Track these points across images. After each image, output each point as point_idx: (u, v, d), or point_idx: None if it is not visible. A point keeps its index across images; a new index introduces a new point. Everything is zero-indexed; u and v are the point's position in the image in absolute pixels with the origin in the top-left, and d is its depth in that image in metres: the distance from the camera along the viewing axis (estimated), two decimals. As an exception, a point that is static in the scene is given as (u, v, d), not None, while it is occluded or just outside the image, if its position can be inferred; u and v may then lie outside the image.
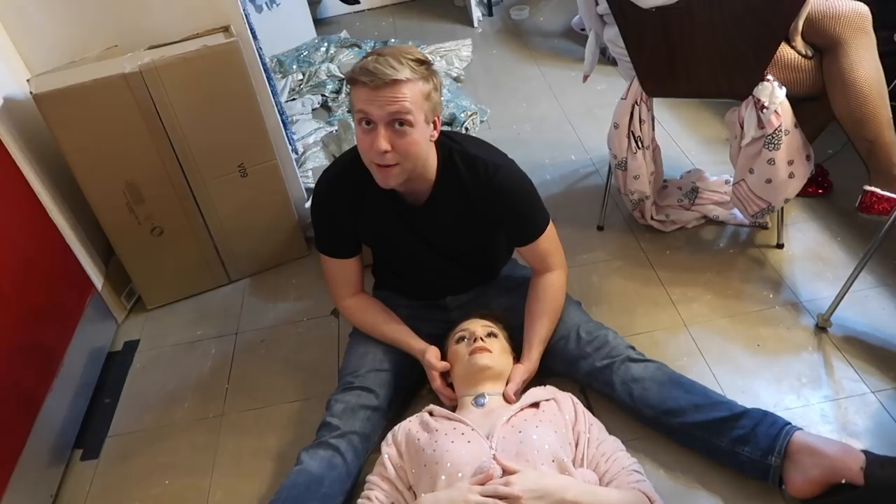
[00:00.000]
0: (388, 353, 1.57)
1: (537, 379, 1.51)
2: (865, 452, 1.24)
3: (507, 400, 1.42)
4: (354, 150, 1.43)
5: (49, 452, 1.57)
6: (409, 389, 1.60)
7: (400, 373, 1.55)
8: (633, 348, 1.52)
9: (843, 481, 1.22)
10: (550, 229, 1.55)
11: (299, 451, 1.41)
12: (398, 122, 1.28)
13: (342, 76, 3.09)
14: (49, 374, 1.63)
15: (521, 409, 1.34)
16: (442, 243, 1.56)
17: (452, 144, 1.46)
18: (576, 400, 1.40)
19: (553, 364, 1.55)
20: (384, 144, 1.28)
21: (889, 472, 1.20)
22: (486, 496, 1.14)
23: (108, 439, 1.69)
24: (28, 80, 1.72)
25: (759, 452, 1.30)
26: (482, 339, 1.44)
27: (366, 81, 1.25)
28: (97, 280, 1.94)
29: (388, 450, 1.35)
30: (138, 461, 1.62)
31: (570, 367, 1.53)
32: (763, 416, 1.33)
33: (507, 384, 1.45)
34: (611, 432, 1.37)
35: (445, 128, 1.55)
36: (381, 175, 1.35)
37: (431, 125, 1.36)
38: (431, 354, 1.51)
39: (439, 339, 1.59)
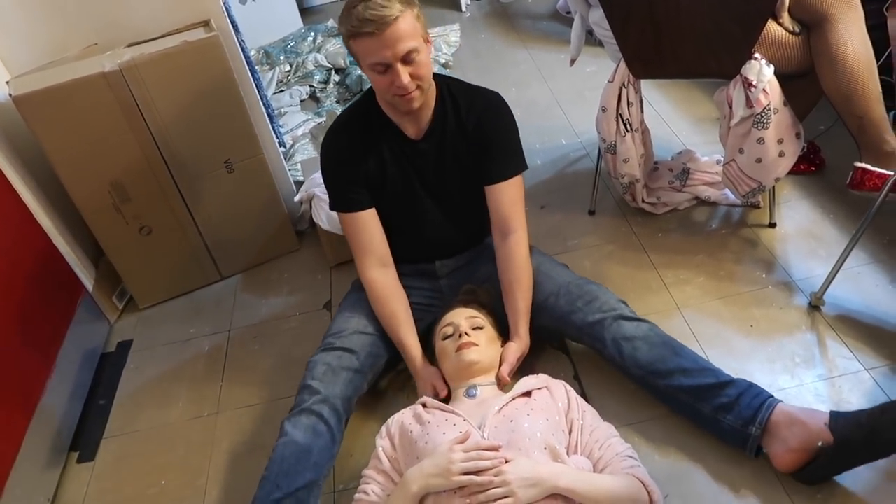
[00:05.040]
0: (373, 318, 1.58)
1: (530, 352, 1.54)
2: (832, 413, 1.26)
3: (501, 381, 1.44)
4: (353, 104, 1.61)
5: (45, 456, 1.57)
6: (392, 356, 1.60)
7: (384, 336, 1.57)
8: (625, 304, 1.53)
9: (820, 443, 1.24)
10: (521, 180, 1.60)
11: (282, 420, 1.42)
12: (409, 57, 1.38)
13: (330, 66, 3.06)
14: (42, 378, 1.63)
15: (513, 399, 1.33)
16: (437, 181, 1.58)
17: (449, 80, 1.59)
18: (569, 387, 1.39)
19: (543, 322, 1.57)
20: (406, 79, 1.38)
21: (851, 420, 1.23)
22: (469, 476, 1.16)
23: (104, 441, 1.69)
24: (7, 83, 1.70)
25: (740, 422, 1.32)
26: (468, 334, 1.44)
27: (370, 31, 1.33)
28: (87, 281, 1.93)
29: (382, 442, 1.35)
30: (134, 462, 1.63)
31: (560, 323, 1.54)
32: (748, 387, 1.36)
33: (500, 365, 1.47)
34: (604, 418, 1.36)
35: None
36: (405, 102, 1.43)
37: (426, 42, 1.44)
38: (427, 388, 1.50)
39: (428, 311, 1.61)
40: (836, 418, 1.25)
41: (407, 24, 1.35)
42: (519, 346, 1.51)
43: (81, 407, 1.76)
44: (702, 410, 1.37)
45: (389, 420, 1.38)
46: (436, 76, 1.53)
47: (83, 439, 1.70)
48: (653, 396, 1.45)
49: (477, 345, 1.43)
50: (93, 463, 1.64)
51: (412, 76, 1.39)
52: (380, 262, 1.59)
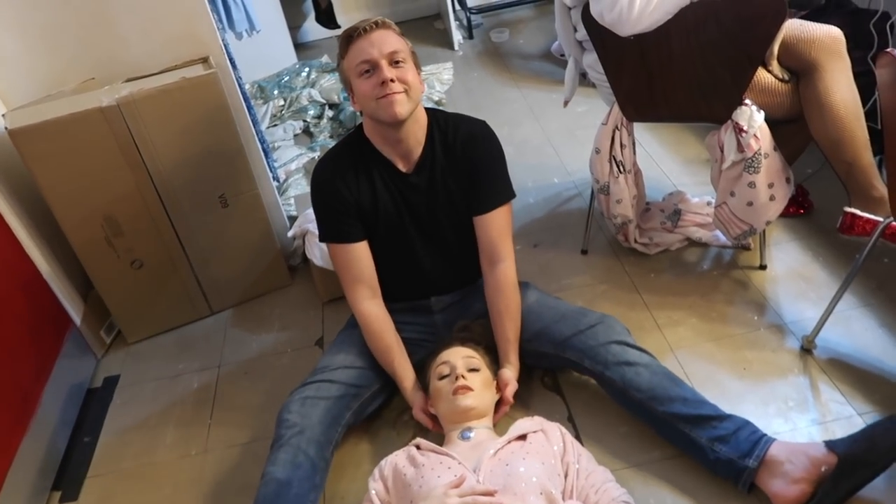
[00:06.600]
0: (362, 354, 1.58)
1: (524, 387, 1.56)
2: (826, 441, 1.31)
3: (506, 403, 1.48)
4: (343, 139, 1.63)
5: (27, 495, 1.53)
6: (380, 387, 1.59)
7: (373, 369, 1.57)
8: (628, 332, 1.54)
9: (824, 468, 1.26)
10: (510, 209, 1.60)
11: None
12: (395, 61, 1.44)
13: (324, 101, 3.09)
14: (26, 414, 1.60)
15: (509, 442, 1.32)
16: (429, 218, 1.59)
17: (437, 112, 1.61)
18: (564, 430, 1.39)
19: (543, 347, 1.57)
20: (389, 73, 1.42)
21: (847, 438, 1.29)
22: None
23: (88, 480, 1.65)
24: (3, 116, 1.69)
25: (737, 454, 1.33)
26: (464, 377, 1.43)
27: (359, 27, 1.44)
28: (75, 315, 1.91)
29: (374, 485, 1.33)
30: (119, 502, 1.59)
31: (560, 347, 1.54)
32: (745, 423, 1.37)
33: (506, 388, 1.50)
34: (598, 461, 1.36)
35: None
36: (389, 105, 1.43)
37: (418, 76, 1.50)
38: (422, 418, 1.53)
39: (421, 346, 1.61)
40: (833, 441, 1.29)
41: (395, 38, 1.45)
42: (513, 371, 1.54)
43: (66, 444, 1.72)
44: (697, 440, 1.37)
45: (382, 462, 1.37)
46: (426, 110, 1.57)
47: (67, 478, 1.66)
48: (648, 425, 1.45)
49: (472, 389, 1.42)
50: (76, 503, 1.60)
51: (398, 79, 1.43)
52: (372, 293, 1.59)
